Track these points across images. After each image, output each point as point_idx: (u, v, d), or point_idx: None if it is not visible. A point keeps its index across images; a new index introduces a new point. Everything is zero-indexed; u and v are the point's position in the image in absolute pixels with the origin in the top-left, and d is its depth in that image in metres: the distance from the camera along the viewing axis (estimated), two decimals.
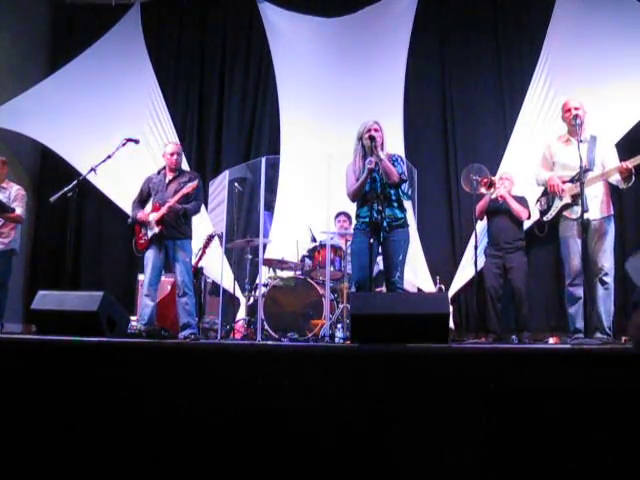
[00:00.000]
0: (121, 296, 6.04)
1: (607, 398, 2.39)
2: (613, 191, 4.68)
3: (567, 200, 4.55)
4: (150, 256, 5.09)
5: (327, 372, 2.66)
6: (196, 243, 6.06)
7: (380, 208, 4.15)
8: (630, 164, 4.32)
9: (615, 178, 4.48)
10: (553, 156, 4.73)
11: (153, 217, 5.07)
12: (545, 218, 4.71)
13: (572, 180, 4.50)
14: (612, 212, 4.56)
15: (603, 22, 6.51)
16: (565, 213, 4.58)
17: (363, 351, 2.81)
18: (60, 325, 3.26)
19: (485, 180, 5.67)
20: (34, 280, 7.42)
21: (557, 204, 4.61)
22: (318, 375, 2.66)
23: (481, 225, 6.05)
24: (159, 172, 5.36)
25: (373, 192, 4.19)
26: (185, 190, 5.06)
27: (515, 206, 5.69)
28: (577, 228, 4.46)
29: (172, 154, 5.26)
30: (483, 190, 5.68)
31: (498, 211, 5.80)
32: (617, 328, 4.57)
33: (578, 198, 4.38)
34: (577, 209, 4.43)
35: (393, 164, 4.30)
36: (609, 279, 4.41)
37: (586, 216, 4.26)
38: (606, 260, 4.43)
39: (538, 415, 2.44)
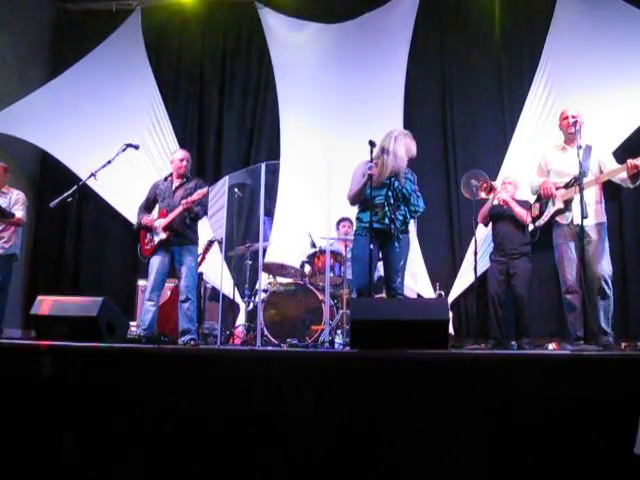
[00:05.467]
0: (121, 301, 6.03)
1: (606, 403, 2.39)
2: (608, 198, 4.67)
3: (559, 205, 4.55)
4: (155, 262, 5.07)
5: (327, 378, 2.66)
6: None
7: (393, 217, 4.16)
8: (638, 161, 4.26)
9: (620, 177, 4.44)
10: (548, 164, 4.73)
11: (160, 223, 5.06)
12: (537, 224, 4.72)
13: (566, 186, 4.50)
14: (605, 219, 4.56)
15: (603, 28, 6.53)
16: (557, 219, 4.58)
17: (363, 357, 2.81)
18: (60, 330, 3.26)
19: (484, 185, 5.62)
20: (34, 285, 7.40)
21: (550, 209, 4.62)
22: (318, 381, 2.65)
23: (481, 231, 6.03)
24: (166, 179, 5.34)
25: (387, 198, 4.19)
26: (196, 197, 5.02)
27: (518, 210, 5.62)
28: (570, 233, 4.48)
29: (181, 160, 5.26)
30: (483, 195, 5.64)
31: (502, 216, 5.77)
32: (616, 334, 4.57)
33: (570, 204, 4.43)
34: (569, 215, 4.47)
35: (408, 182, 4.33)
36: (608, 285, 4.41)
37: (579, 222, 4.23)
38: (605, 267, 4.42)
39: (538, 420, 2.44)
